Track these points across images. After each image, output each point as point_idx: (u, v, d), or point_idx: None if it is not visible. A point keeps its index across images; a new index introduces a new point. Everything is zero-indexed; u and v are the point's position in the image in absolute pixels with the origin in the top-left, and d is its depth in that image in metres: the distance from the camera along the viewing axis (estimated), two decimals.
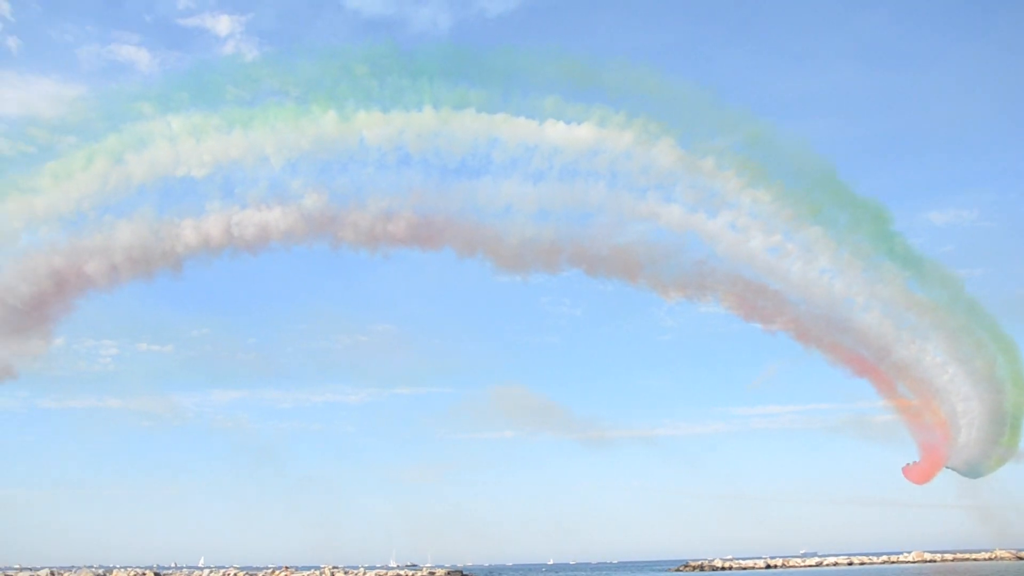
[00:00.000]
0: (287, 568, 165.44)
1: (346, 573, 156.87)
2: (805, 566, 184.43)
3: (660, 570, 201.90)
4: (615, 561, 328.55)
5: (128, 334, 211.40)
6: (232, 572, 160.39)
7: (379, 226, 78.75)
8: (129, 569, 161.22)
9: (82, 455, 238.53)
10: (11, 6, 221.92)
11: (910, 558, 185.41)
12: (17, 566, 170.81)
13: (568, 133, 79.10)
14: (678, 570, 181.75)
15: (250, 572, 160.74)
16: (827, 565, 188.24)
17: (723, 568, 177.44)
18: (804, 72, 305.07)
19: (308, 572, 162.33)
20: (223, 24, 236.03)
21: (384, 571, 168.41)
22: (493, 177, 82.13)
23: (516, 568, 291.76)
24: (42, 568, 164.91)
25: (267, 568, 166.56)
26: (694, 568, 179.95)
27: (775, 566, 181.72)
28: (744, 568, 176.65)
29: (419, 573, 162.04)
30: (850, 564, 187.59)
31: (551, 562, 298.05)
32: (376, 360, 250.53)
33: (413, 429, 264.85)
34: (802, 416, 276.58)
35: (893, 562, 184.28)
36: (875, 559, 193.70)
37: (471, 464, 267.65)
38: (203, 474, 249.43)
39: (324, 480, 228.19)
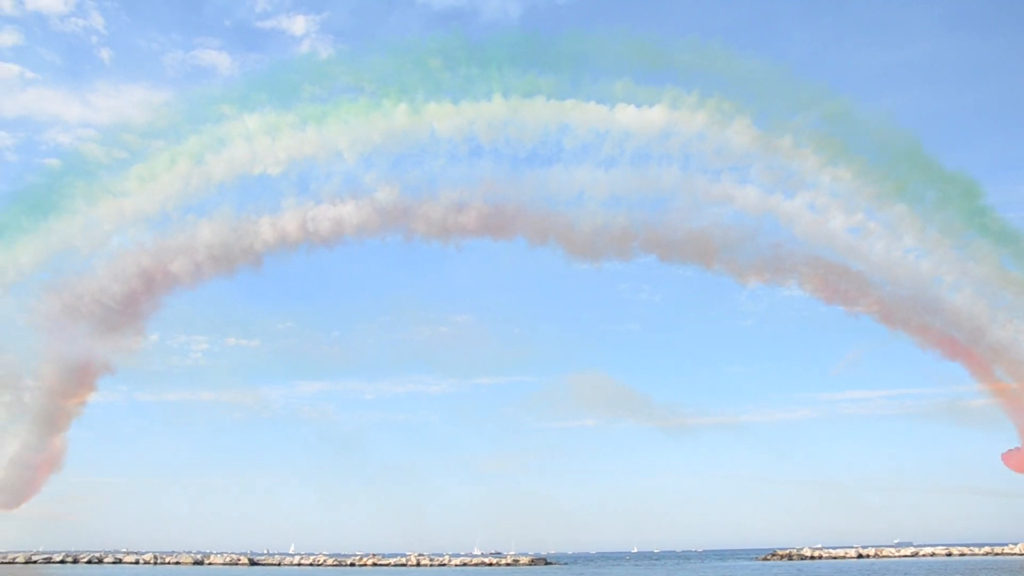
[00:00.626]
0: (374, 556, 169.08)
1: (432, 561, 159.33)
2: (900, 556, 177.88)
3: (747, 558, 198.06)
4: (700, 550, 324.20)
5: (217, 329, 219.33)
6: (321, 559, 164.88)
7: (451, 217, 79.38)
8: (225, 555, 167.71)
9: (178, 446, 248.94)
10: (104, 19, 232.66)
11: (1016, 550, 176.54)
12: (124, 550, 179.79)
13: (639, 117, 77.92)
14: (765, 559, 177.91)
15: (339, 559, 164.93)
16: (923, 555, 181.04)
17: (812, 557, 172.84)
18: (885, 43, 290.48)
19: (394, 559, 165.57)
20: (299, 24, 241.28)
21: (469, 559, 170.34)
22: (564, 164, 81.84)
23: (600, 556, 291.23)
24: (146, 552, 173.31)
25: (355, 555, 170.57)
26: (782, 557, 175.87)
27: (867, 556, 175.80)
28: (835, 557, 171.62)
29: (503, 561, 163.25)
30: (948, 555, 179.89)
31: (635, 550, 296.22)
32: (456, 350, 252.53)
33: (495, 418, 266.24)
34: (892, 401, 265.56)
35: (997, 554, 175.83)
36: (976, 550, 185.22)
37: (553, 452, 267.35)
38: (291, 464, 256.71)
39: (408, 469, 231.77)
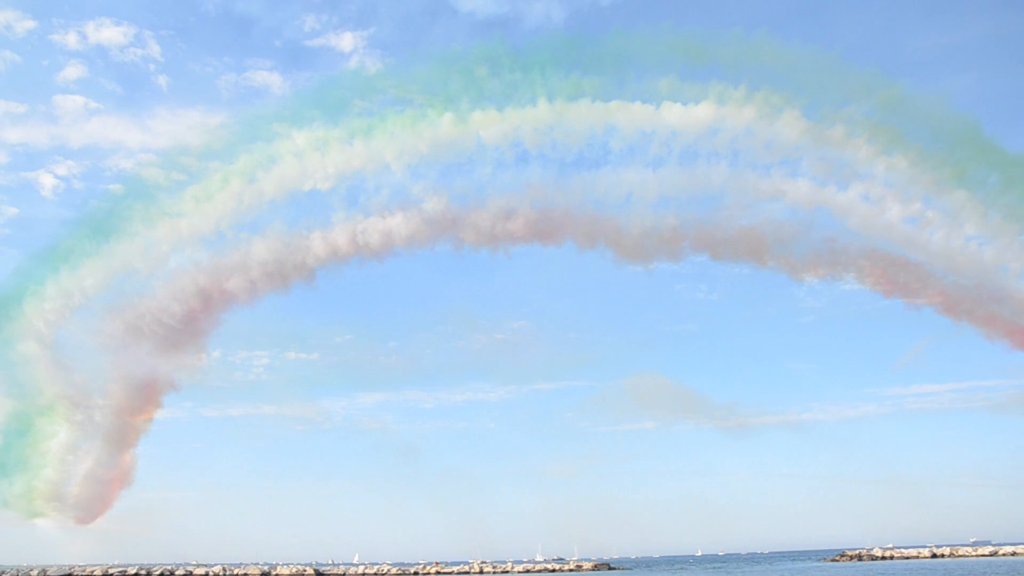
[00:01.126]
0: (437, 564, 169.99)
1: (495, 568, 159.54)
2: (977, 555, 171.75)
3: (815, 560, 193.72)
4: (766, 551, 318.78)
5: (277, 344, 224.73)
6: (386, 568, 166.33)
7: (499, 225, 79.53)
8: (291, 565, 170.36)
9: (243, 459, 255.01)
10: (161, 48, 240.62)
11: None
12: (194, 562, 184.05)
13: (686, 114, 77.06)
14: (835, 560, 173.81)
15: (402, 568, 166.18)
16: (1003, 555, 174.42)
17: (883, 557, 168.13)
18: (941, 24, 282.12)
19: (458, 567, 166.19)
20: (346, 41, 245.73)
21: (532, 565, 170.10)
22: (612, 167, 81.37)
23: (664, 560, 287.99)
24: (215, 564, 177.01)
25: (418, 563, 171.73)
26: (851, 557, 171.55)
27: (942, 555, 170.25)
28: (907, 557, 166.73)
29: (566, 567, 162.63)
30: None
31: (699, 553, 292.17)
32: (513, 357, 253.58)
33: (554, 423, 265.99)
34: (962, 394, 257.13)
35: None
36: None
37: (613, 456, 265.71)
38: (353, 474, 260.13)
39: (469, 477, 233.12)
